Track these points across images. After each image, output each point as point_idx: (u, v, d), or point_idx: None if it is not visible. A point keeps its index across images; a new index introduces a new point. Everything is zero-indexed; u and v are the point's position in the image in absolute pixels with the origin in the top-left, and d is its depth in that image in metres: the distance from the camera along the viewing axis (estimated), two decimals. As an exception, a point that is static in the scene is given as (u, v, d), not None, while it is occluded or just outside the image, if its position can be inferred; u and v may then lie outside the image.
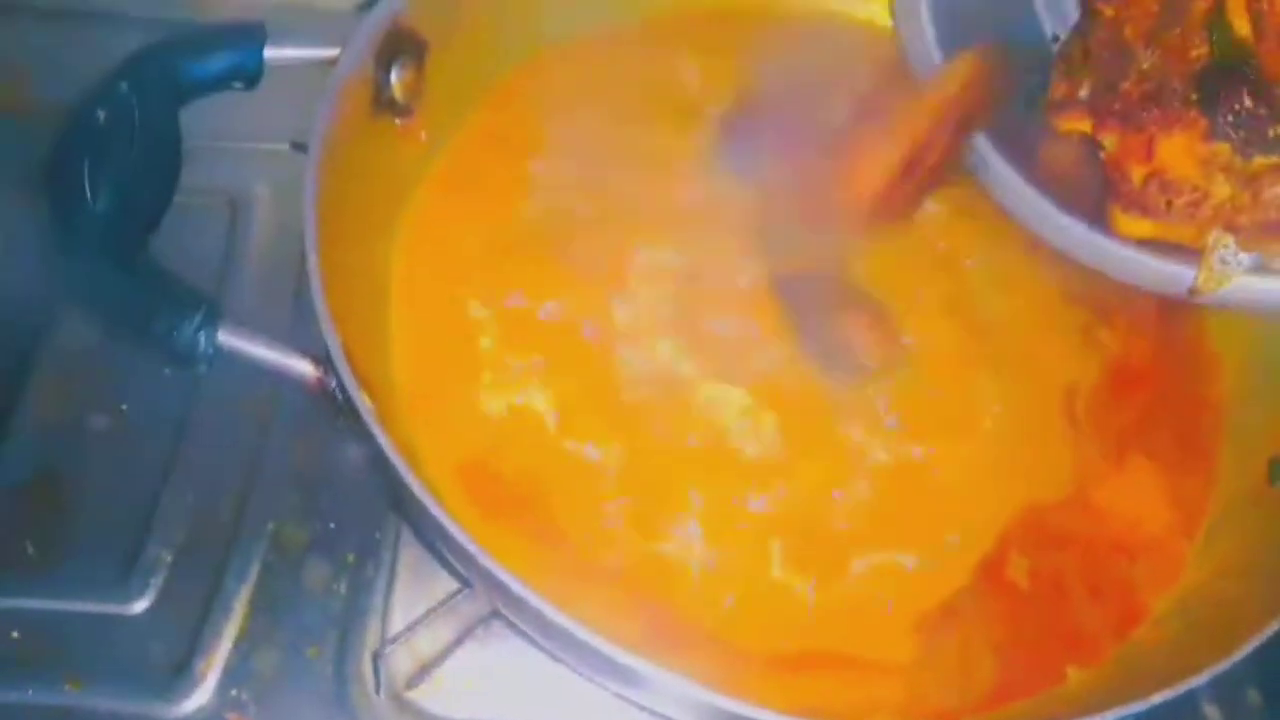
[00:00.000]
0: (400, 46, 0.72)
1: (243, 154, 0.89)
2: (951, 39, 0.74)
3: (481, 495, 0.66)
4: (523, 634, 0.66)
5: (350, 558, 0.77)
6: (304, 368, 0.61)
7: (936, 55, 0.74)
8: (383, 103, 0.72)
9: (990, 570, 0.69)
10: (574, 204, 0.74)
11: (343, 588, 0.76)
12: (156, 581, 0.75)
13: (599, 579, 0.65)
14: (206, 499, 0.78)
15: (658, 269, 0.72)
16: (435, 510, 0.55)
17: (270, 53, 0.68)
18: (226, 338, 0.60)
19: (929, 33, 0.74)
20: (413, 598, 0.75)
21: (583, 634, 0.54)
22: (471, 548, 0.55)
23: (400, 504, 0.73)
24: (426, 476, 0.63)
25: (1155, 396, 0.77)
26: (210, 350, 0.59)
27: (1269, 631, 0.60)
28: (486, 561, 0.54)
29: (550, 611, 0.54)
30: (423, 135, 0.76)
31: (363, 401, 0.58)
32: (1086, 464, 0.73)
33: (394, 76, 0.72)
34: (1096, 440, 0.74)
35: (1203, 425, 0.77)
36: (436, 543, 0.64)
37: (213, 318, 0.59)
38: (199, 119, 0.68)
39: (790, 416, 0.70)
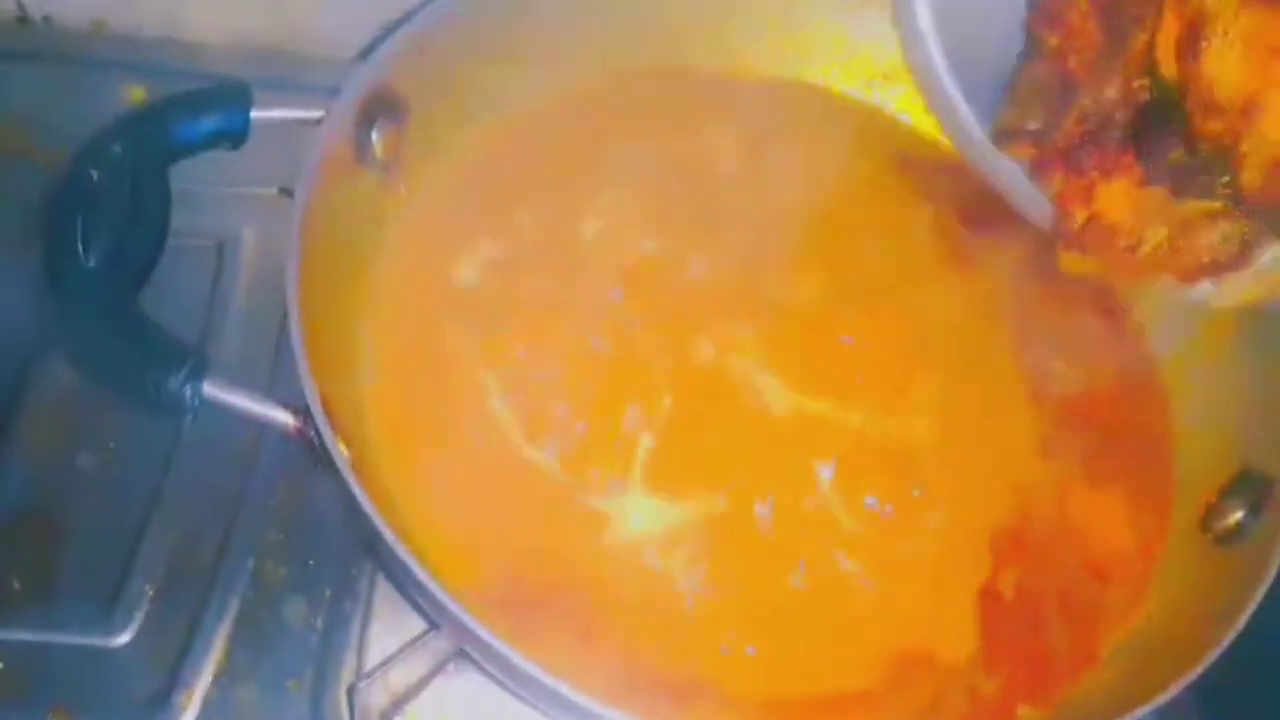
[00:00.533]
0: (382, 108, 0.76)
1: (231, 198, 0.92)
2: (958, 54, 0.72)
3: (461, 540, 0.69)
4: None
5: (328, 594, 0.80)
6: (284, 418, 0.64)
7: (949, 83, 0.71)
8: (364, 160, 0.76)
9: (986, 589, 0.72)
10: (544, 258, 0.78)
11: (320, 623, 0.79)
12: (139, 615, 0.77)
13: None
14: (189, 535, 0.80)
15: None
16: (405, 558, 0.58)
17: (257, 114, 0.71)
18: (211, 390, 0.63)
19: (936, 53, 0.71)
20: (388, 632, 0.78)
21: (549, 680, 0.57)
22: (440, 596, 0.58)
23: (372, 549, 0.75)
24: (400, 524, 0.66)
25: (1114, 424, 0.80)
26: (195, 402, 0.62)
27: (1192, 675, 0.63)
28: (457, 612, 0.58)
29: (516, 659, 0.57)
30: (402, 188, 0.79)
31: (339, 452, 0.61)
32: (1063, 481, 0.76)
33: (375, 136, 0.76)
34: (1066, 458, 0.77)
35: (1158, 458, 0.79)
36: (406, 586, 0.67)
37: (198, 371, 0.62)
38: (189, 163, 0.71)
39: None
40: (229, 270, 0.90)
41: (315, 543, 0.81)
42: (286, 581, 0.80)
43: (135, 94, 0.95)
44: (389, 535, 0.59)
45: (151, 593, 0.78)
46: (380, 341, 0.74)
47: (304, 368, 0.62)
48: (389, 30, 0.76)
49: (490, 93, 0.82)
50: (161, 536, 0.80)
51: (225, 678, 0.77)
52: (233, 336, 0.86)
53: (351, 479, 0.60)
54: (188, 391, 0.62)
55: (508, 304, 0.77)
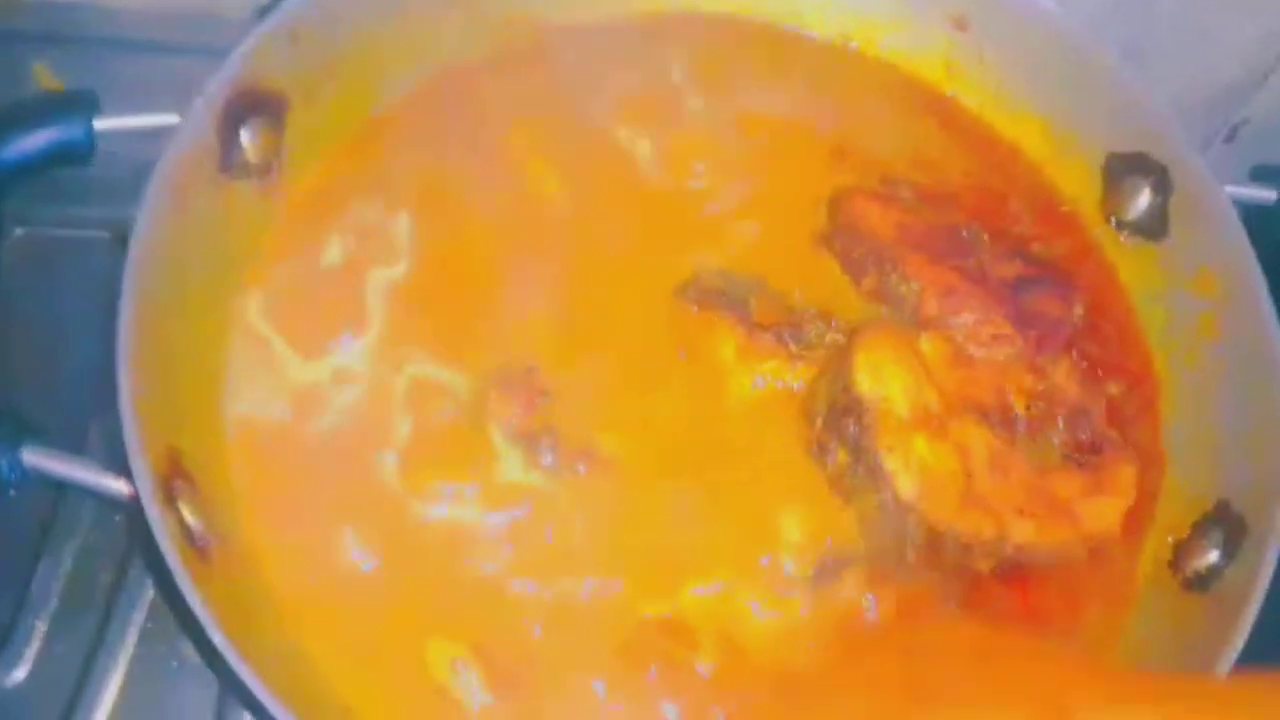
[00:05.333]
0: (252, 107, 0.67)
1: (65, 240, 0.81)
2: None
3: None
4: None
5: (230, 625, 0.75)
6: (119, 487, 0.58)
7: None
8: (232, 168, 0.68)
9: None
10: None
11: (222, 656, 0.75)
12: (31, 653, 0.74)
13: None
14: (84, 566, 0.76)
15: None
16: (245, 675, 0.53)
17: (102, 124, 0.64)
18: (33, 458, 0.57)
19: None
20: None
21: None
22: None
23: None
24: (269, 616, 0.61)
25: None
26: (14, 475, 0.56)
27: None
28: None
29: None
30: (284, 195, 0.71)
31: (163, 531, 0.55)
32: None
33: (245, 139, 0.68)
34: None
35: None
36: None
37: (15, 437, 0.56)
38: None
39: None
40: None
41: (214, 572, 0.76)
42: (186, 612, 0.76)
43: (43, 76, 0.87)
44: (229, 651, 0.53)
45: (43, 628, 0.74)
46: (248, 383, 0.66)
47: (131, 431, 0.56)
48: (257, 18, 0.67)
49: (383, 75, 0.74)
50: (55, 568, 0.76)
51: (124, 715, 0.73)
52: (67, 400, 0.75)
53: (192, 591, 0.54)
54: (3, 463, 0.56)
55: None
